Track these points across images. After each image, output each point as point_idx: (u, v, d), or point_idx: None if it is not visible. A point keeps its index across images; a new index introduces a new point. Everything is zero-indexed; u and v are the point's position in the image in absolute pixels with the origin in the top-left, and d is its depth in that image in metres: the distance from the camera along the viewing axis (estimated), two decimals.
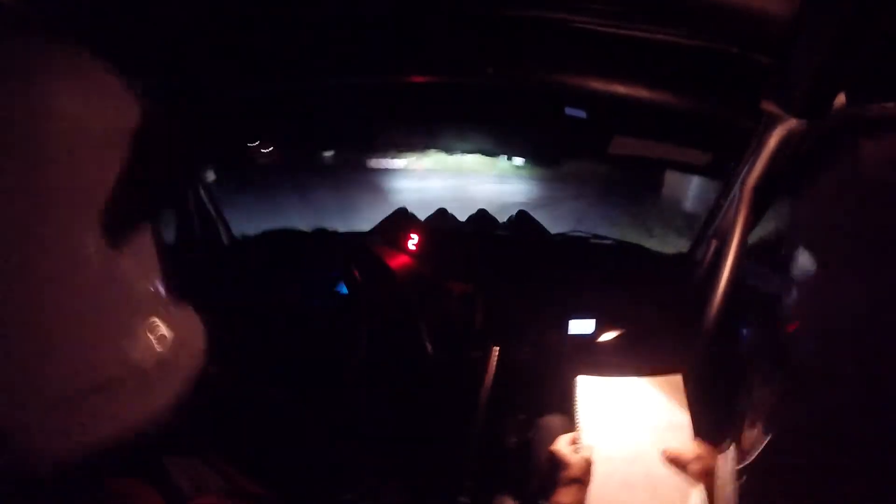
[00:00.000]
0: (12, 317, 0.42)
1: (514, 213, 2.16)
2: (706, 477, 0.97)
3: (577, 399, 1.11)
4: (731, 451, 0.75)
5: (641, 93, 1.22)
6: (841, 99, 0.89)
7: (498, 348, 1.48)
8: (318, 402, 1.37)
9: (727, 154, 1.44)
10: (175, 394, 0.54)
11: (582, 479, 1.00)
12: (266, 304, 1.43)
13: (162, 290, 0.55)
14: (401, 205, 2.06)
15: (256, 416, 1.19)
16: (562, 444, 1.05)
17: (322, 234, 1.83)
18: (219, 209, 1.63)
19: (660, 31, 1.05)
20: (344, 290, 1.41)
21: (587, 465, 1.02)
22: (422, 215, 2.08)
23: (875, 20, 0.72)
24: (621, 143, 1.87)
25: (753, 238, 1.13)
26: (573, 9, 1.04)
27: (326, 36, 1.23)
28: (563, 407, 1.31)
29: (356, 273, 1.40)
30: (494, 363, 1.46)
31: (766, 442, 0.60)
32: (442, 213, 2.14)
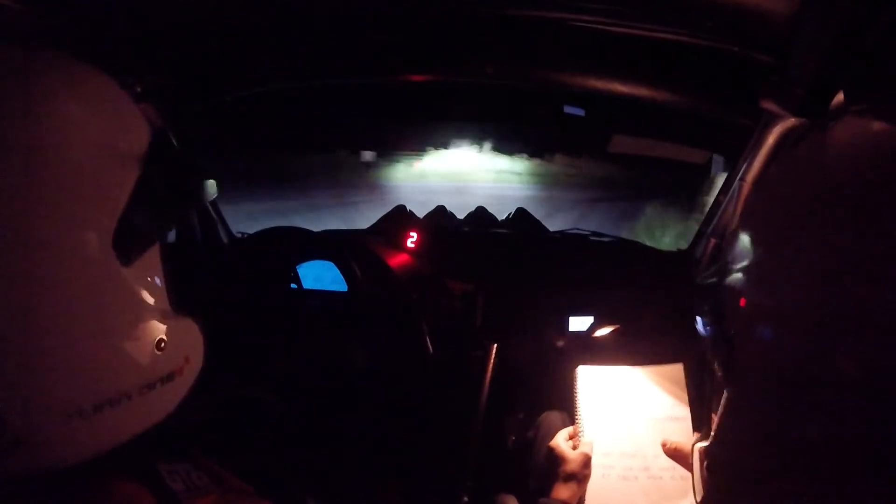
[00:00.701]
0: (34, 334, 0.45)
1: (512, 210, 2.16)
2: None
3: (577, 389, 1.11)
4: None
5: (641, 91, 1.22)
6: (840, 98, 0.89)
7: (497, 346, 1.48)
8: (316, 402, 1.37)
9: (726, 152, 1.44)
10: (177, 402, 0.57)
11: (580, 474, 1.01)
12: (263, 304, 1.43)
13: (169, 306, 0.58)
14: (399, 203, 2.07)
15: (251, 417, 1.19)
16: (560, 440, 1.06)
17: (321, 233, 1.83)
18: (218, 209, 1.63)
19: (659, 29, 1.05)
20: (343, 288, 1.41)
21: (586, 460, 1.02)
22: (420, 213, 2.08)
23: (874, 19, 0.72)
24: (621, 141, 1.87)
25: None
26: (573, 8, 1.04)
27: (326, 35, 1.22)
28: (563, 404, 1.31)
29: (356, 271, 1.40)
30: (494, 361, 1.46)
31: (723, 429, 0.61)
32: (441, 211, 2.14)
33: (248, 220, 2.02)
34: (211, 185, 0.62)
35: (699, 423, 1.04)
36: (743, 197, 1.18)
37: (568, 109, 1.74)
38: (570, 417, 1.16)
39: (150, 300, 0.55)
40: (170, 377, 0.56)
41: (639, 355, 1.17)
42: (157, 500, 0.53)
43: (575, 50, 1.20)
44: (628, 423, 1.07)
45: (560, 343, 1.57)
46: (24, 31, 0.49)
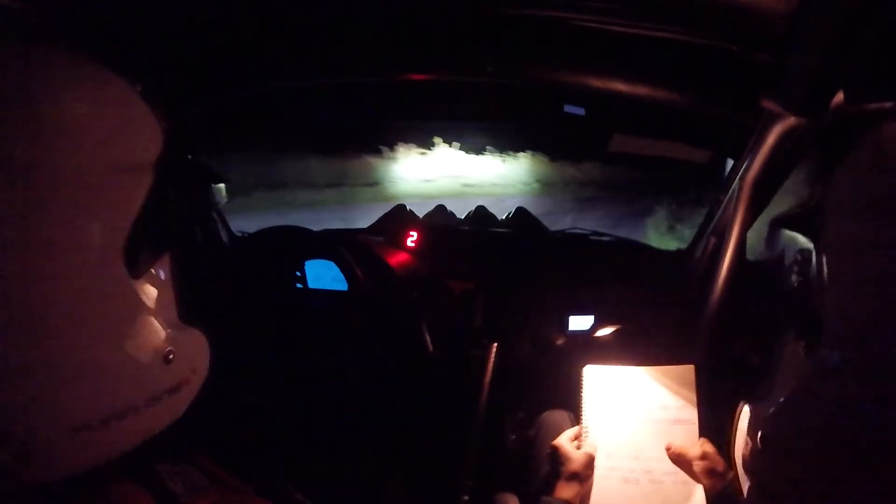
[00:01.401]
0: (43, 348, 0.45)
1: (512, 209, 2.16)
2: (709, 477, 0.97)
3: (583, 389, 1.10)
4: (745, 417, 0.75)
5: (641, 90, 1.22)
6: (839, 97, 0.89)
7: (497, 345, 1.48)
8: (316, 402, 1.37)
9: (726, 151, 1.44)
10: (181, 412, 0.57)
11: (583, 474, 1.01)
12: (264, 303, 1.43)
13: (177, 317, 0.58)
14: (399, 201, 2.07)
15: (252, 417, 1.19)
16: (564, 440, 1.06)
17: (321, 232, 1.83)
18: (219, 208, 1.63)
19: (659, 28, 1.05)
20: (343, 287, 1.41)
21: (589, 460, 1.02)
22: (421, 212, 2.08)
23: (874, 18, 0.72)
24: (621, 140, 1.87)
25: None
26: (573, 7, 1.04)
27: (327, 35, 1.22)
28: (564, 404, 1.31)
29: (356, 271, 1.40)
30: (494, 360, 1.46)
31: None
32: (441, 210, 2.14)
33: (247, 219, 2.02)
34: (221, 190, 0.61)
35: (707, 426, 1.05)
36: (743, 196, 1.17)
37: (568, 109, 1.74)
38: (575, 417, 1.16)
39: (160, 312, 0.54)
40: (176, 388, 0.56)
41: (638, 355, 1.17)
42: (156, 501, 0.54)
43: (575, 49, 1.20)
44: (633, 424, 1.06)
45: (560, 342, 1.57)
46: (22, 29, 0.48)
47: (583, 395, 1.10)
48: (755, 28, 0.94)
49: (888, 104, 0.78)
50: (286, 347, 1.36)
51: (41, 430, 0.46)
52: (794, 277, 0.62)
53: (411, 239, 1.74)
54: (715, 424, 1.04)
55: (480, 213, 2.14)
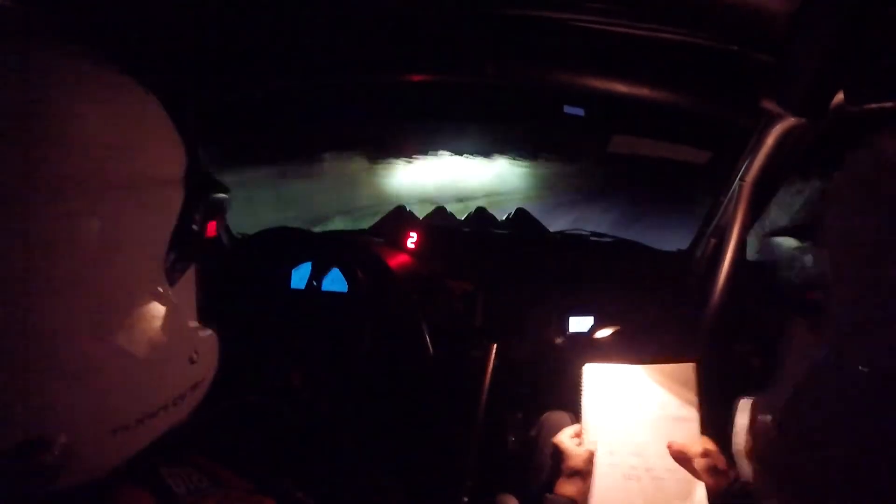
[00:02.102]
0: (94, 358, 0.47)
1: (512, 210, 2.17)
2: (711, 474, 0.97)
3: (583, 387, 1.10)
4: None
5: (641, 91, 1.22)
6: (839, 97, 0.90)
7: (497, 346, 1.48)
8: (316, 403, 1.37)
9: (726, 152, 1.44)
10: (193, 407, 0.59)
11: (584, 471, 1.01)
12: (265, 305, 1.43)
13: (196, 319, 0.60)
14: (399, 203, 2.07)
15: (253, 418, 1.19)
16: (564, 437, 1.06)
17: (321, 234, 1.83)
18: None
19: (659, 29, 1.05)
20: (343, 288, 1.41)
21: (589, 457, 1.02)
22: (420, 214, 2.08)
23: (874, 19, 0.72)
24: (620, 141, 1.87)
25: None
26: (573, 7, 1.04)
27: (327, 35, 1.22)
28: (564, 404, 1.31)
29: (356, 272, 1.40)
30: (494, 361, 1.46)
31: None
32: (441, 212, 2.14)
33: (248, 217, 2.02)
34: (227, 200, 0.63)
35: (708, 424, 1.04)
36: (743, 197, 1.18)
37: (568, 109, 1.74)
38: (575, 415, 1.16)
39: (188, 315, 0.58)
40: (196, 387, 0.59)
41: (646, 354, 1.17)
42: (156, 501, 0.54)
43: (575, 49, 1.20)
44: (634, 422, 1.06)
45: (560, 343, 1.57)
46: (21, 29, 0.48)
47: (583, 393, 1.10)
48: (755, 28, 0.94)
49: (888, 104, 0.78)
50: (286, 349, 1.36)
51: (84, 433, 0.47)
52: (796, 278, 0.62)
53: (411, 240, 1.74)
54: (716, 423, 1.04)
55: (480, 215, 2.14)
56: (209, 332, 0.61)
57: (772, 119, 1.04)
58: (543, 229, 2.08)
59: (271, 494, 0.64)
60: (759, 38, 0.97)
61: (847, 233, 0.55)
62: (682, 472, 1.01)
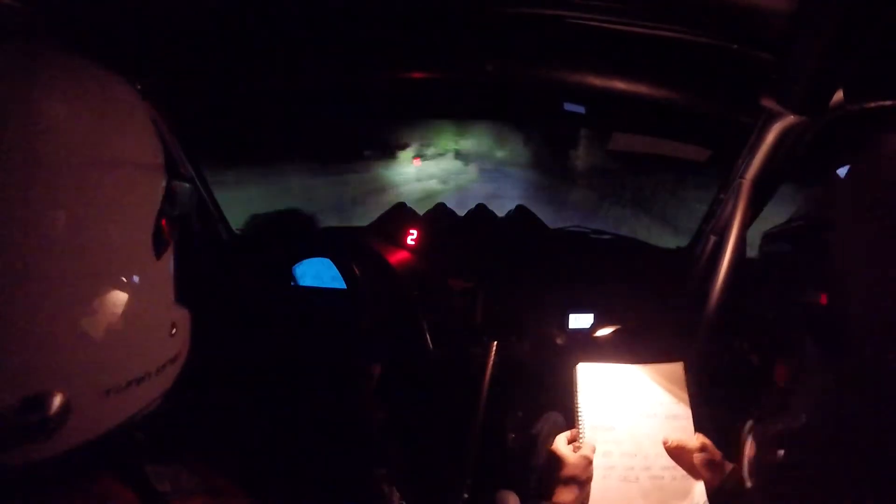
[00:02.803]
0: (89, 323, 0.52)
1: (513, 208, 2.16)
2: (709, 469, 0.97)
3: (577, 387, 1.10)
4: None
5: (641, 89, 1.22)
6: (839, 96, 0.90)
7: (497, 344, 1.48)
8: (313, 402, 1.37)
9: (726, 150, 1.44)
10: (170, 384, 0.62)
11: (582, 477, 1.00)
12: (259, 302, 1.43)
13: (174, 295, 0.63)
14: (399, 200, 2.07)
15: (244, 416, 1.19)
16: (560, 444, 1.05)
17: (321, 230, 1.83)
18: (218, 206, 1.63)
19: (659, 27, 1.05)
20: (342, 285, 1.41)
21: (586, 463, 1.01)
22: (420, 210, 2.08)
23: (873, 18, 0.72)
24: (621, 139, 1.87)
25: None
26: (573, 5, 1.04)
27: (327, 34, 1.22)
28: (563, 402, 1.31)
29: (355, 269, 1.40)
30: (494, 359, 1.46)
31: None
32: (441, 209, 2.14)
33: (247, 217, 2.02)
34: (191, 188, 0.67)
35: (702, 422, 1.05)
36: (743, 195, 1.18)
37: (568, 107, 1.74)
38: (570, 415, 1.16)
39: (169, 289, 0.62)
40: (174, 360, 0.62)
41: (639, 353, 1.17)
42: (140, 499, 0.55)
43: (575, 47, 1.20)
44: (629, 421, 1.06)
45: (560, 340, 1.57)
46: (21, 29, 0.49)
47: (577, 392, 1.09)
48: (755, 28, 0.94)
49: (888, 104, 0.78)
50: (281, 346, 1.36)
51: (80, 391, 0.51)
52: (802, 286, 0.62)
53: (411, 237, 1.74)
54: (711, 420, 1.04)
55: (481, 212, 2.14)
56: (184, 309, 0.65)
57: (772, 117, 1.04)
58: (544, 226, 2.08)
59: (264, 501, 0.64)
60: (759, 37, 0.97)
61: (851, 233, 0.55)
62: (680, 470, 1.01)
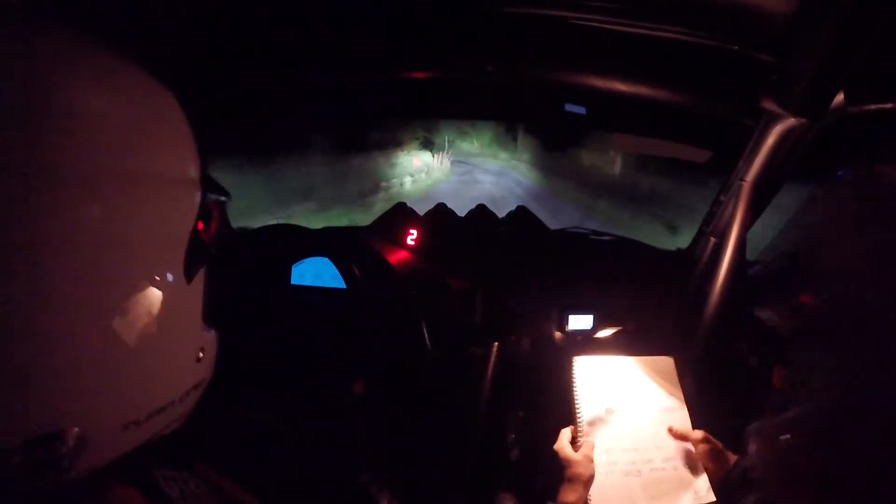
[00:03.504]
0: (112, 356, 0.48)
1: (513, 208, 2.16)
2: (712, 459, 0.98)
3: (574, 380, 1.10)
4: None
5: (642, 90, 1.22)
6: (840, 97, 0.90)
7: (497, 344, 1.48)
8: (315, 402, 1.37)
9: (726, 151, 1.44)
10: (193, 405, 0.60)
11: (585, 476, 1.01)
12: (262, 304, 1.43)
13: (202, 319, 0.60)
14: (400, 199, 2.06)
15: (249, 420, 1.19)
16: (562, 443, 1.05)
17: (320, 230, 1.83)
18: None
19: (660, 28, 1.05)
20: (343, 285, 1.41)
21: (588, 462, 1.02)
22: (421, 210, 2.08)
23: (874, 20, 0.72)
24: (621, 140, 1.87)
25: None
26: (574, 6, 1.04)
27: (327, 34, 1.22)
28: (564, 402, 1.31)
29: (355, 269, 1.40)
30: (494, 359, 1.46)
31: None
32: (441, 209, 2.14)
33: (247, 216, 2.02)
34: (227, 202, 0.64)
35: (701, 422, 1.05)
36: (743, 197, 1.18)
37: (569, 108, 1.73)
38: (569, 411, 1.15)
39: (198, 314, 0.58)
40: (198, 386, 0.59)
41: (638, 354, 1.17)
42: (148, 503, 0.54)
43: (576, 48, 1.20)
44: (628, 415, 1.07)
45: (560, 341, 1.57)
46: (28, 20, 0.49)
47: (575, 386, 1.10)
48: (755, 28, 0.94)
49: (888, 104, 0.78)
50: (283, 346, 1.36)
51: (97, 428, 0.48)
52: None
53: (411, 237, 1.74)
54: (711, 421, 1.04)
55: (481, 212, 2.14)
56: (212, 332, 0.62)
57: (772, 119, 1.04)
58: (544, 227, 2.08)
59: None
60: (759, 38, 0.97)
61: (849, 240, 0.55)
62: (681, 462, 1.02)
